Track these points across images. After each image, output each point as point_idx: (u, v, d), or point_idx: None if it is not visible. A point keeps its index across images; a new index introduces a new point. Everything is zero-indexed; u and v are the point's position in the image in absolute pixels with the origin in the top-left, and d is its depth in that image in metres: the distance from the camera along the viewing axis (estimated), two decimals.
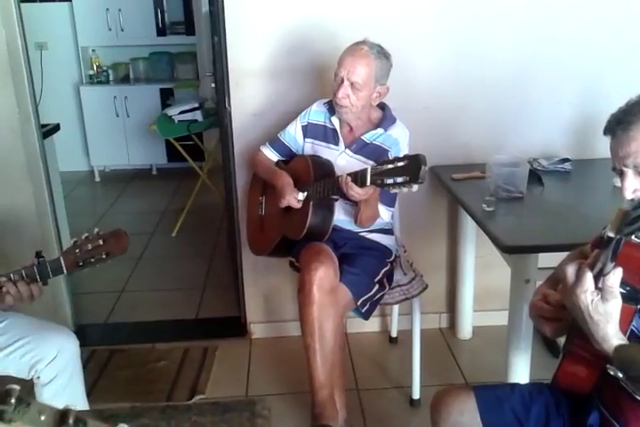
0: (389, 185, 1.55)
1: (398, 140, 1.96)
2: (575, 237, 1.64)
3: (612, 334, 0.99)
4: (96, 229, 1.45)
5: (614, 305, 0.97)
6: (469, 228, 2.43)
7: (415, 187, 1.52)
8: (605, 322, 0.98)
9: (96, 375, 2.36)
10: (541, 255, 1.75)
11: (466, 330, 2.66)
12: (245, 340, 2.68)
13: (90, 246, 1.42)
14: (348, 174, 1.73)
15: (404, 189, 1.54)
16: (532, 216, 1.93)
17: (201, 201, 4.04)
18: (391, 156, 1.91)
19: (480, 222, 1.86)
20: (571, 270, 1.03)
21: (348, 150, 2.02)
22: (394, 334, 2.65)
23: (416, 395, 2.23)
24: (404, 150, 1.95)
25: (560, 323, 1.22)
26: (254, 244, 2.27)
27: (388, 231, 2.11)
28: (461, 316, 2.64)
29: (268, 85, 2.32)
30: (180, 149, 3.89)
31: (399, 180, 1.51)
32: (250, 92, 2.32)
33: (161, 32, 4.99)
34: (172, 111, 3.68)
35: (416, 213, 2.47)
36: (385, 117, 1.99)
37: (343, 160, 2.01)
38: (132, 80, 5.17)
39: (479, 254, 2.50)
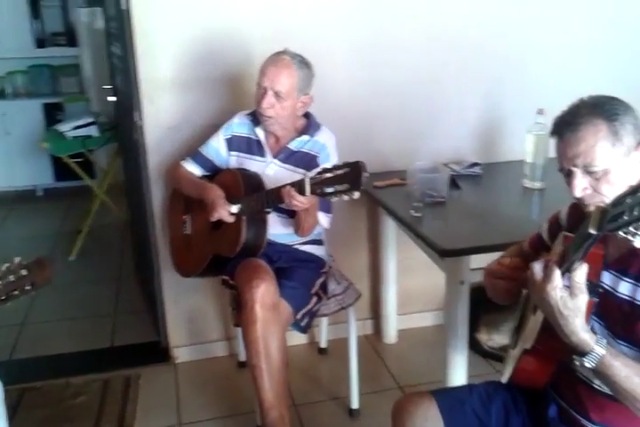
0: (330, 194, 1.54)
1: (326, 146, 1.96)
2: (503, 237, 1.74)
3: (580, 327, 1.03)
4: (17, 259, 1.31)
5: (582, 300, 1.02)
6: (390, 233, 2.48)
7: (356, 194, 1.52)
8: (574, 316, 1.02)
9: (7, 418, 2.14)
10: (472, 256, 1.81)
11: (391, 334, 2.70)
12: (169, 365, 2.55)
13: (12, 278, 1.28)
14: (291, 184, 1.69)
15: (345, 197, 1.53)
16: (458, 219, 2.01)
17: (99, 221, 3.81)
18: (320, 161, 1.91)
19: (412, 228, 1.90)
20: (538, 268, 1.06)
21: (275, 160, 1.99)
22: (323, 345, 2.64)
23: (354, 405, 2.23)
24: (332, 155, 1.95)
25: (514, 284, 1.30)
26: (182, 265, 2.17)
27: (319, 242, 2.10)
28: (386, 321, 2.68)
29: (182, 97, 2.24)
30: (74, 167, 3.65)
31: (340, 188, 1.50)
32: (163, 104, 2.22)
33: (40, 44, 4.70)
34: (65, 127, 3.45)
35: (336, 222, 2.47)
36: (310, 124, 1.99)
37: (272, 170, 1.98)
38: (11, 95, 4.79)
39: (399, 259, 2.55)
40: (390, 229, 2.47)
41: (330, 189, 1.52)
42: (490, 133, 2.55)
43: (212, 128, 2.15)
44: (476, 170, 2.36)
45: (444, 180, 2.04)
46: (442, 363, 2.02)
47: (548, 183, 2.19)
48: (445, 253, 1.72)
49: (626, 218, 0.76)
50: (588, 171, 1.12)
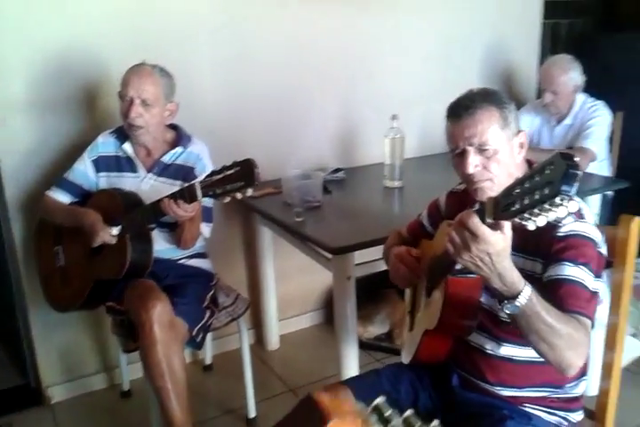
0: (222, 194, 1.56)
1: (201, 156, 1.98)
2: (379, 231, 1.90)
3: (510, 268, 1.05)
4: None
5: (502, 241, 0.99)
6: (267, 242, 2.55)
7: (250, 191, 1.54)
8: (502, 260, 1.02)
9: None
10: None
11: (274, 341, 2.76)
12: (45, 407, 2.36)
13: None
14: (170, 196, 1.68)
15: (238, 195, 1.55)
16: (335, 220, 2.14)
17: None
18: (197, 173, 1.92)
19: (298, 233, 1.99)
20: (456, 236, 1.03)
21: (150, 174, 1.96)
22: (208, 362, 2.61)
23: (252, 414, 2.25)
24: (208, 165, 1.97)
25: (414, 275, 1.43)
26: (58, 299, 2.03)
27: (203, 255, 2.10)
28: (268, 328, 2.73)
29: (38, 119, 2.10)
30: None
31: (234, 186, 1.53)
32: (18, 127, 2.07)
33: None
34: None
35: (212, 233, 2.49)
36: (180, 136, 1.99)
37: (147, 185, 1.95)
38: None
39: (276, 266, 2.62)
40: (267, 237, 2.53)
41: (221, 190, 1.54)
42: (349, 140, 2.74)
43: (74, 150, 2.06)
44: (340, 175, 2.52)
45: (318, 185, 2.17)
46: (326, 360, 2.11)
47: (405, 182, 2.41)
48: (336, 251, 1.83)
49: (517, 207, 0.88)
50: (481, 149, 1.26)
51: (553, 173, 0.78)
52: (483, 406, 1.35)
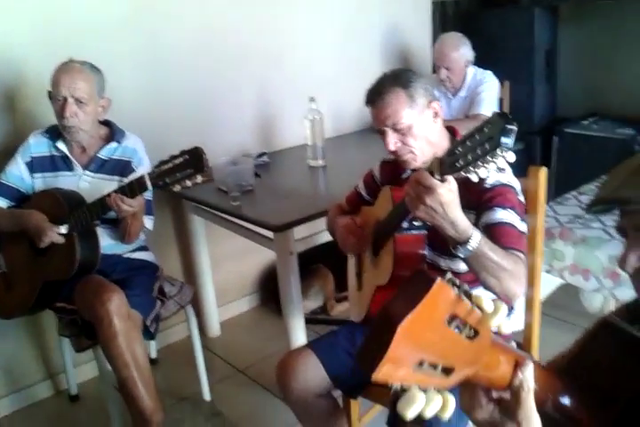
0: (173, 183, 1.61)
1: (136, 149, 2.00)
2: (313, 207, 2.05)
3: (461, 216, 1.18)
4: None
5: (450, 193, 1.13)
6: (200, 230, 2.60)
7: (199, 178, 1.61)
8: (454, 208, 1.16)
9: None
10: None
11: (215, 327, 2.82)
12: None
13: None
14: (117, 191, 1.71)
15: (188, 183, 1.61)
16: (270, 201, 2.23)
17: None
18: (134, 166, 1.95)
19: (238, 216, 2.07)
20: (412, 191, 1.17)
21: (87, 172, 1.96)
22: (153, 356, 2.63)
23: (207, 397, 2.33)
24: (144, 158, 2.00)
25: (364, 240, 1.55)
26: (2, 307, 1.99)
27: (146, 248, 2.13)
28: (208, 315, 2.78)
29: None
30: None
31: (185, 174, 1.58)
32: None
33: None
34: None
35: None
36: (114, 131, 2.00)
37: (86, 183, 1.95)
38: None
39: (210, 253, 2.68)
40: (199, 225, 2.58)
41: (170, 179, 1.60)
42: (269, 124, 2.82)
43: (2, 154, 2.01)
44: (265, 159, 2.61)
45: (250, 169, 2.25)
46: (269, 339, 2.20)
47: (328, 161, 2.55)
48: (278, 229, 1.93)
49: (462, 162, 1.03)
50: (395, 128, 1.43)
51: (492, 129, 0.93)
52: None
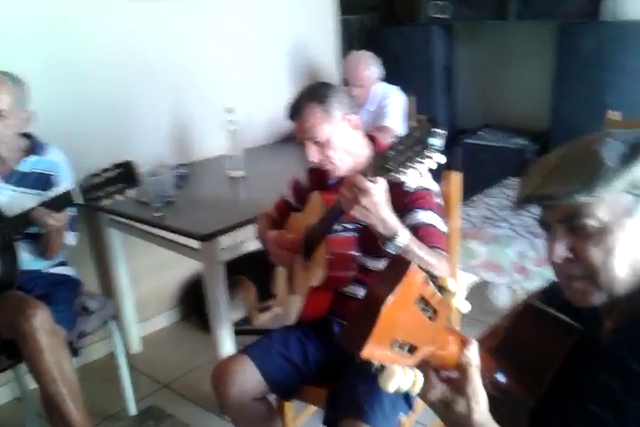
0: (105, 196, 1.60)
1: (59, 163, 1.95)
2: (237, 217, 2.09)
3: (390, 214, 1.29)
4: None
5: (380, 193, 1.24)
6: (117, 244, 2.55)
7: (130, 192, 1.61)
8: (383, 207, 1.26)
9: None
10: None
11: (135, 343, 2.77)
12: None
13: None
14: (44, 205, 1.66)
15: (119, 197, 1.61)
16: (193, 211, 2.23)
17: None
18: (57, 180, 1.91)
19: (162, 227, 2.07)
20: (347, 193, 1.26)
21: (7, 185, 1.89)
22: None
23: (134, 413, 2.28)
24: (67, 172, 1.96)
25: (296, 252, 1.61)
26: None
27: (66, 263, 2.07)
28: (128, 331, 2.72)
29: None
30: None
31: (117, 188, 1.58)
32: None
33: None
34: None
35: None
36: (35, 144, 1.94)
37: (5, 196, 1.87)
38: None
39: (128, 268, 2.63)
40: (117, 239, 2.54)
41: (101, 193, 1.58)
42: (186, 135, 2.83)
43: None
44: (184, 170, 2.61)
45: (170, 180, 2.25)
46: (193, 352, 2.19)
47: (247, 171, 2.59)
48: (205, 238, 1.95)
49: (393, 164, 1.12)
50: (316, 141, 1.53)
51: (421, 133, 1.03)
52: None
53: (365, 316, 0.58)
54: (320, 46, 3.55)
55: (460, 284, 0.66)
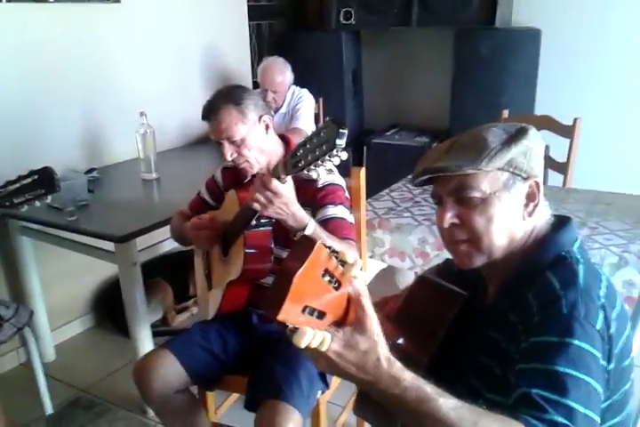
0: (22, 203, 1.58)
1: None
2: (152, 218, 2.11)
3: (297, 207, 1.37)
4: None
5: (287, 191, 1.32)
6: (28, 251, 2.49)
7: (50, 198, 1.60)
8: (291, 203, 1.34)
9: None
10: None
11: (49, 352, 2.70)
12: None
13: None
14: None
15: (37, 203, 1.60)
16: (108, 214, 2.23)
17: None
18: None
19: (76, 231, 2.06)
20: (261, 196, 1.32)
21: None
22: None
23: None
24: None
25: (214, 233, 1.64)
26: None
27: None
28: (41, 339, 2.63)
29: None
30: None
31: (35, 194, 1.56)
32: None
33: None
34: None
35: None
36: None
37: None
38: None
39: (40, 276, 2.57)
40: (27, 246, 2.48)
41: (21, 199, 1.57)
42: (97, 140, 2.80)
43: None
44: (95, 174, 2.59)
45: (83, 184, 2.24)
46: (109, 357, 2.24)
47: (160, 173, 2.61)
48: (121, 240, 1.96)
49: (303, 162, 1.20)
50: (231, 141, 1.59)
51: (328, 133, 1.12)
52: (282, 332, 1.66)
53: (280, 286, 0.67)
54: (231, 51, 3.61)
55: (357, 258, 0.75)
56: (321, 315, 0.72)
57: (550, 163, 2.80)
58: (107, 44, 2.83)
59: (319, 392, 1.59)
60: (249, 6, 3.69)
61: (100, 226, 2.08)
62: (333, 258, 0.73)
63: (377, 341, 0.74)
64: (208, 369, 1.66)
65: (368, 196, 1.96)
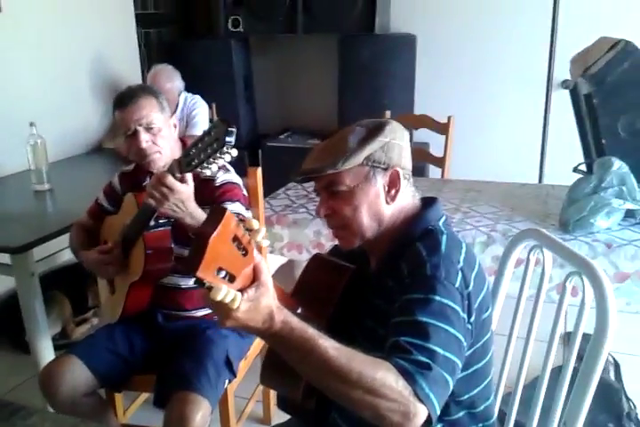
0: None
1: None
2: (47, 228, 2.07)
3: (194, 206, 1.44)
4: None
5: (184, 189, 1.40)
6: None
7: None
8: (188, 200, 1.41)
9: None
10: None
11: None
12: None
13: None
14: None
15: None
16: (1, 226, 2.17)
17: None
18: None
19: None
20: (156, 192, 1.39)
21: None
22: None
23: None
24: None
25: (117, 262, 1.67)
26: None
27: None
28: None
29: None
30: None
31: None
32: None
33: None
34: None
35: None
36: None
37: None
38: None
39: None
40: None
41: None
42: None
43: None
44: None
45: None
46: (10, 372, 2.24)
47: (53, 184, 2.56)
48: (18, 250, 1.91)
49: (197, 161, 1.27)
50: (148, 128, 1.63)
51: (217, 132, 1.20)
52: (188, 329, 1.73)
53: (198, 247, 0.75)
54: (121, 59, 3.59)
55: (261, 226, 0.84)
56: (232, 278, 0.81)
57: (429, 157, 3.05)
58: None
59: (226, 381, 1.66)
60: (137, 14, 3.69)
61: None
62: (241, 226, 0.82)
63: (270, 294, 0.86)
64: (115, 371, 1.69)
65: (265, 195, 2.07)
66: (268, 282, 0.86)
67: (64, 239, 1.96)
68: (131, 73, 3.67)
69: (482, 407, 1.11)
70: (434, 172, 3.03)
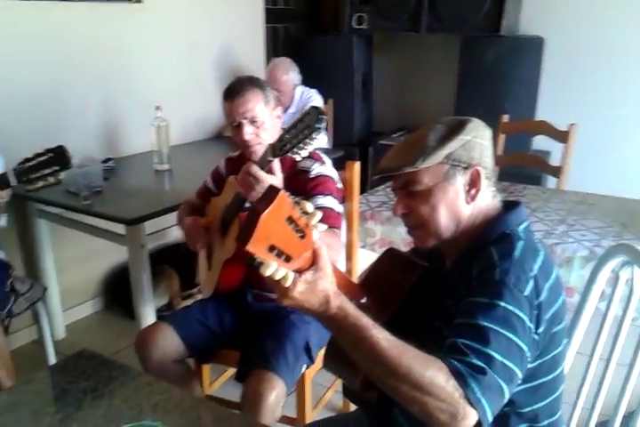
0: (38, 178, 1.72)
1: None
2: (161, 204, 2.26)
3: None
4: None
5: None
6: (45, 234, 2.65)
7: (63, 174, 1.74)
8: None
9: None
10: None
11: (60, 331, 2.85)
12: None
13: None
14: None
15: (52, 179, 1.74)
16: (121, 200, 2.38)
17: None
18: None
19: (91, 213, 2.21)
20: (243, 181, 1.52)
21: None
22: None
23: None
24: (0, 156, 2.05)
25: (207, 238, 1.79)
26: None
27: None
28: (53, 318, 2.77)
29: None
30: None
31: (47, 171, 1.71)
32: None
33: None
34: None
35: None
36: None
37: None
38: None
39: (55, 258, 2.73)
40: (44, 228, 2.64)
41: (37, 174, 1.71)
42: (114, 131, 2.96)
43: None
44: (110, 164, 2.75)
45: (99, 171, 2.40)
46: (116, 337, 2.43)
47: (173, 165, 2.76)
48: (131, 222, 2.11)
49: (289, 145, 1.35)
50: (252, 121, 1.71)
51: (309, 119, 1.26)
52: (274, 311, 1.80)
53: (249, 223, 0.77)
54: (247, 52, 3.77)
55: (315, 210, 0.83)
56: (288, 259, 0.82)
57: (546, 167, 2.91)
58: (128, 41, 2.99)
59: (304, 366, 1.71)
60: (266, 9, 3.85)
61: (112, 210, 2.22)
62: (297, 208, 0.82)
63: (328, 279, 0.87)
64: (204, 342, 1.79)
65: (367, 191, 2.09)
66: (326, 267, 0.87)
67: (173, 218, 2.11)
68: (255, 66, 3.83)
69: (545, 423, 1.06)
70: (551, 182, 2.88)
